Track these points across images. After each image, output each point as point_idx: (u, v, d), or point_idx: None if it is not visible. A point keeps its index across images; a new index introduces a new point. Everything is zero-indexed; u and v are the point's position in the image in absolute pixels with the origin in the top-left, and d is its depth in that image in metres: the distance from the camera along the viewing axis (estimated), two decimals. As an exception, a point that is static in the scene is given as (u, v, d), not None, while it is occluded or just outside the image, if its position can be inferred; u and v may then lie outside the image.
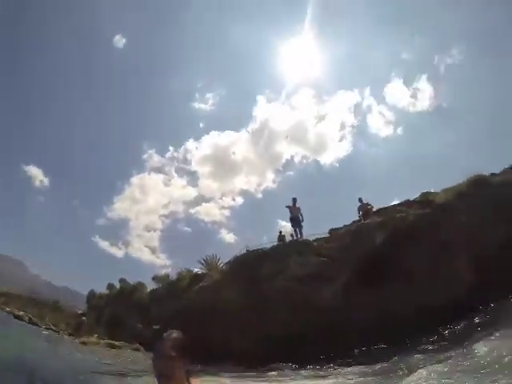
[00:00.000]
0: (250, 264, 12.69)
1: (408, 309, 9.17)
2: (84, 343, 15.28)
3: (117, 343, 15.10)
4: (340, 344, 9.08)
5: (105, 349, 14.56)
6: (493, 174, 12.44)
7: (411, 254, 10.46)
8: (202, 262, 20.19)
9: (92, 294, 34.24)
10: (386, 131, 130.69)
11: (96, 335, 17.51)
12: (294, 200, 14.14)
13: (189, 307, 14.15)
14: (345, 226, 13.80)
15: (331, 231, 14.42)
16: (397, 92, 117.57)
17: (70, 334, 22.11)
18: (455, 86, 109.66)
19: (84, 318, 28.62)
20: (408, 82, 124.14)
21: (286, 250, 12.63)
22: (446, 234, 10.66)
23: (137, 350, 14.30)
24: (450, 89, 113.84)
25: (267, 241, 15.70)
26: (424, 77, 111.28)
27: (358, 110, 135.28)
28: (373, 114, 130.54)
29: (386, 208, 13.19)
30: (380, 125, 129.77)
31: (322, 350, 9.32)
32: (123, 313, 25.35)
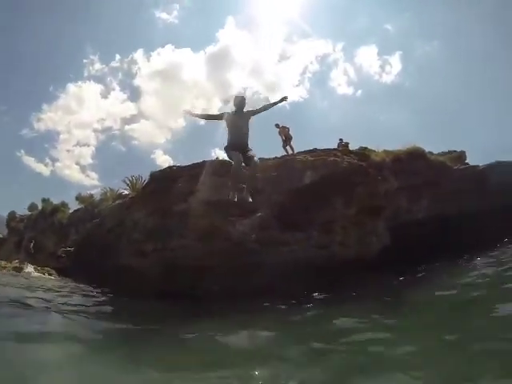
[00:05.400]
0: (164, 182, 10.63)
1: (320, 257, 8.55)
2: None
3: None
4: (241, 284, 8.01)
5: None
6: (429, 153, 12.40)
7: (336, 203, 9.77)
8: (127, 182, 18.37)
9: (12, 216, 28.40)
10: (345, 90, 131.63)
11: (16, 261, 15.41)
12: None
13: (99, 227, 12.49)
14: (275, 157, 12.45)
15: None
16: (368, 57, 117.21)
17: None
18: (422, 73, 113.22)
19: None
20: (382, 53, 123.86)
21: (203, 169, 10.75)
22: (373, 194, 10.17)
23: (49, 274, 12.81)
24: (416, 73, 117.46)
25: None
26: (399, 53, 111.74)
27: (324, 61, 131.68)
28: (338, 69, 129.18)
29: (321, 149, 12.08)
30: (341, 82, 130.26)
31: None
32: (42, 236, 21.95)
